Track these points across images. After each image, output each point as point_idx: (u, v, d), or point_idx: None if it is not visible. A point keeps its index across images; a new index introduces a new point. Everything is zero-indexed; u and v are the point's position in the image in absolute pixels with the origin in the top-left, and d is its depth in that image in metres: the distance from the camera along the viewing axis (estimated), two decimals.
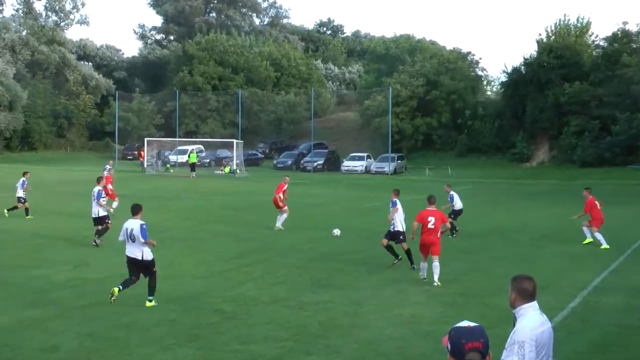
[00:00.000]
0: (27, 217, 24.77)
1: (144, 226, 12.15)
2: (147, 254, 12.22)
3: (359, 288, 13.96)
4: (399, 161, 60.43)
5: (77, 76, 78.12)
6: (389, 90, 61.75)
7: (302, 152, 66.08)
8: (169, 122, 74.11)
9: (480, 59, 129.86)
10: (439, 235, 14.67)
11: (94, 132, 78.49)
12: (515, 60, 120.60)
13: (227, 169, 58.15)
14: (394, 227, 16.24)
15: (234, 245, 19.40)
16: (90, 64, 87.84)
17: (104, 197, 19.70)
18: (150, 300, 12.25)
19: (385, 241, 16.29)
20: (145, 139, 62.17)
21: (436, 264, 14.38)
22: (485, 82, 79.52)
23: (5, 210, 25.24)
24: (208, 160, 64.90)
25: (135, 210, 12.39)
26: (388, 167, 58.10)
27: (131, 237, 12.13)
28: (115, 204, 25.27)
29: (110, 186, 26.12)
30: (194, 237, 20.86)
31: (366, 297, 13.15)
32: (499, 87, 73.07)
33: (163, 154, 64.36)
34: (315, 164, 61.09)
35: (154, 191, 33.35)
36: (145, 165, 59.09)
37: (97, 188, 19.65)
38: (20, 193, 24.94)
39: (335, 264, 16.63)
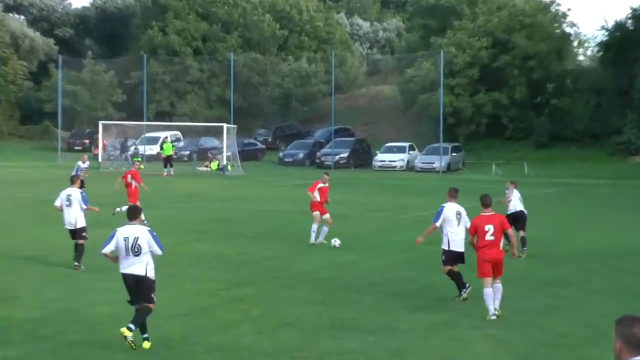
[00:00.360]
0: None
1: (155, 234, 12.74)
2: (152, 271, 12.66)
3: (398, 332, 13.87)
4: (454, 154, 60.24)
5: (4, 34, 78.34)
6: (441, 54, 61.55)
7: (318, 141, 66.16)
8: (134, 99, 74.39)
9: (569, 10, 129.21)
10: (502, 249, 14.89)
11: (27, 112, 78.80)
12: (620, 11, 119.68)
13: (214, 165, 58.30)
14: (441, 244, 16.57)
15: (223, 272, 19.38)
16: (22, 17, 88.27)
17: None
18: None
19: (455, 268, 16.36)
20: (100, 123, 62.33)
21: (498, 286, 14.80)
22: (576, 43, 79.06)
23: None
24: (188, 153, 65.14)
25: (134, 214, 12.95)
26: (439, 162, 57.92)
27: (134, 250, 12.51)
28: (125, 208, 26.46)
29: (135, 184, 28.09)
30: (169, 261, 20.77)
31: (408, 346, 13.04)
32: (595, 49, 72.53)
33: (126, 143, 64.52)
34: (337, 157, 61.07)
35: (112, 196, 33.40)
36: (100, 160, 59.34)
37: (76, 190, 19.97)
38: None
39: (365, 298, 16.55)
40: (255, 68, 76.11)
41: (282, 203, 36.39)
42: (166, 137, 60.42)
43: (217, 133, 62.64)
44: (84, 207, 19.69)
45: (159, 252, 12.65)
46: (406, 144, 62.26)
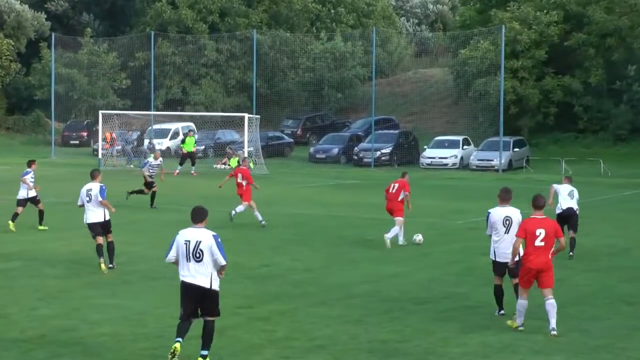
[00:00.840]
0: (41, 227, 27.80)
1: (220, 239, 12.99)
2: (217, 282, 13.02)
3: (447, 358, 13.96)
4: (517, 149, 59.97)
5: None
6: (502, 31, 61.27)
7: (356, 134, 66.05)
8: (140, 84, 74.65)
9: None
10: (551, 256, 15.13)
11: (15, 100, 79.22)
12: None
13: (233, 162, 58.33)
14: None
15: (243, 286, 19.50)
16: None
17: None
18: (205, 357, 12.81)
19: (513, 281, 16.48)
20: (101, 112, 62.59)
21: (552, 302, 14.98)
22: None
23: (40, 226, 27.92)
24: (203, 148, 65.14)
25: (200, 217, 13.17)
26: (498, 159, 57.68)
27: (195, 255, 12.84)
28: (241, 208, 30.34)
29: (242, 181, 30.42)
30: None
31: None
32: None
33: (130, 137, 64.63)
34: (379, 153, 60.97)
35: (112, 199, 33.75)
36: (100, 156, 59.65)
37: (96, 185, 21.07)
38: (26, 193, 27.93)
39: (409, 318, 16.65)
40: (283, 49, 76.05)
41: (313, 207, 36.50)
42: (190, 130, 60.51)
43: (236, 125, 62.79)
44: (100, 199, 20.71)
45: (222, 262, 12.89)
46: (459, 138, 62.03)
